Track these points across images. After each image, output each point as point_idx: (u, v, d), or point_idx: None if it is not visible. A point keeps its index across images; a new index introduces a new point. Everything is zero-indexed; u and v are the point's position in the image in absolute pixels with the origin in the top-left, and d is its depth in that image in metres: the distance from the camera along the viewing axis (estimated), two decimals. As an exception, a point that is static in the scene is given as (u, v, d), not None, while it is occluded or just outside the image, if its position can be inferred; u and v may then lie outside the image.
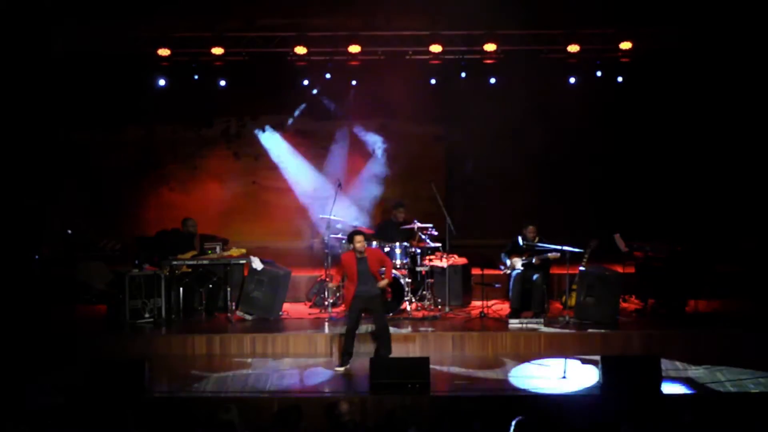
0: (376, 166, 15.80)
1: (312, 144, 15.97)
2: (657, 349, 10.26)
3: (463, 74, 13.93)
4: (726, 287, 12.41)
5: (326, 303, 12.11)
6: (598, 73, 13.82)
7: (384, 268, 10.33)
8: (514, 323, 11.16)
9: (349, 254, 10.22)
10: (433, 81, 14.15)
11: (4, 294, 12.19)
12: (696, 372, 9.72)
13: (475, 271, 12.40)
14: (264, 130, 15.65)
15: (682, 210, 13.27)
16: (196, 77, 13.96)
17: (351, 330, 10.12)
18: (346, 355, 10.05)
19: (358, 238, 10.12)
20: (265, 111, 15.85)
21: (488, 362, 10.26)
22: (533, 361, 10.19)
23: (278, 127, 15.70)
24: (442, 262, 11.97)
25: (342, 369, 9.99)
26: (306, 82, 14.24)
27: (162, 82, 14.02)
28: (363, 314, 10.29)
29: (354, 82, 14.43)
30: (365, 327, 10.63)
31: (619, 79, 13.94)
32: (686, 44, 13.32)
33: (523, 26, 13.44)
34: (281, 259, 12.82)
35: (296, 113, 15.42)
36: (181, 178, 15.99)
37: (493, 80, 14.07)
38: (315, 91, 14.52)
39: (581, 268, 11.48)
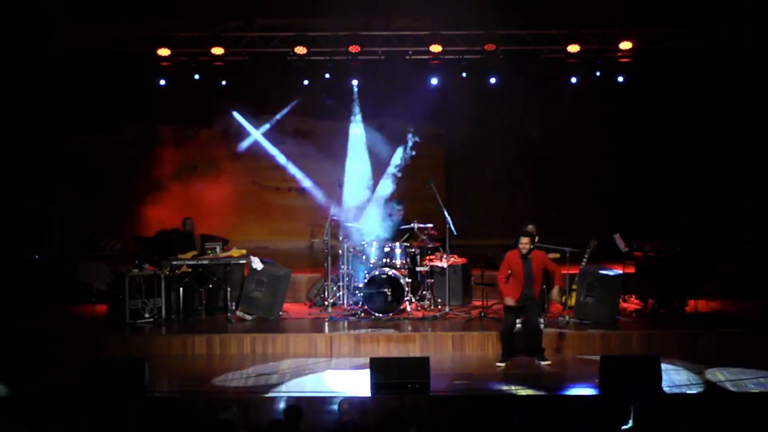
0: (376, 165, 15.81)
1: (312, 143, 16.01)
2: (657, 349, 10.25)
3: (464, 74, 13.93)
4: (726, 287, 12.40)
5: (326, 303, 12.11)
6: (598, 73, 13.83)
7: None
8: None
9: (515, 253, 10.17)
10: (433, 81, 14.14)
11: (3, 293, 12.19)
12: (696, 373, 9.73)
13: (475, 271, 12.40)
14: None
15: (682, 210, 13.27)
16: (196, 77, 13.96)
17: (508, 329, 10.16)
18: (507, 354, 10.10)
19: (524, 240, 10.08)
20: (265, 111, 15.86)
21: (488, 362, 10.25)
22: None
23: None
24: (442, 262, 11.97)
25: (503, 365, 10.00)
26: (306, 82, 14.22)
27: (162, 82, 14.02)
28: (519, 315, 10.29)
29: (354, 82, 14.43)
30: (361, 329, 10.59)
31: (619, 79, 13.94)
32: (686, 44, 13.33)
33: (523, 26, 13.45)
34: (281, 259, 12.82)
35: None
36: (181, 178, 16.00)
37: (493, 80, 14.07)
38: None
39: (581, 268, 11.48)
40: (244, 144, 15.86)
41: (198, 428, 7.84)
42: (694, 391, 9.10)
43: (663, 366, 9.02)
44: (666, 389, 8.99)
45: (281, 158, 16.05)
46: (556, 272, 10.29)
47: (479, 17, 13.04)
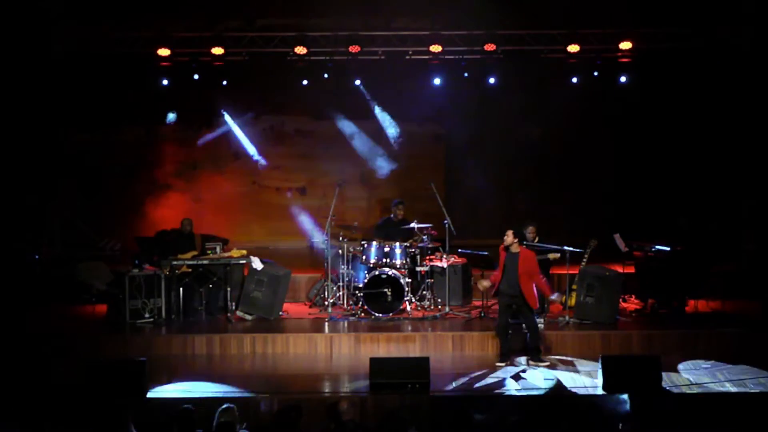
0: (376, 165, 15.83)
1: (312, 143, 16.03)
2: (657, 349, 10.26)
3: (464, 74, 13.94)
4: (726, 287, 12.40)
5: (326, 303, 12.11)
6: (598, 73, 13.83)
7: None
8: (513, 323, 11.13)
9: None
10: (435, 81, 14.14)
11: (4, 293, 12.19)
12: (696, 372, 9.73)
13: (475, 272, 12.40)
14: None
15: (682, 210, 13.28)
16: (196, 77, 13.96)
17: (501, 327, 10.15)
18: (505, 353, 10.09)
19: (508, 231, 10.05)
20: (265, 111, 15.87)
21: (488, 362, 10.25)
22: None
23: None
24: (442, 262, 11.97)
25: (503, 365, 9.97)
26: (306, 82, 14.23)
27: (162, 82, 14.01)
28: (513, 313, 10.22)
29: (357, 82, 14.44)
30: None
31: (620, 79, 13.94)
32: (686, 44, 13.33)
33: (523, 26, 13.45)
34: (281, 259, 12.82)
35: None
36: (182, 178, 16.01)
37: (493, 80, 14.07)
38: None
39: (581, 268, 11.48)
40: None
41: (198, 428, 7.84)
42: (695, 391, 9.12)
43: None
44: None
45: (281, 158, 16.06)
46: (541, 285, 9.97)
47: (479, 17, 13.04)
